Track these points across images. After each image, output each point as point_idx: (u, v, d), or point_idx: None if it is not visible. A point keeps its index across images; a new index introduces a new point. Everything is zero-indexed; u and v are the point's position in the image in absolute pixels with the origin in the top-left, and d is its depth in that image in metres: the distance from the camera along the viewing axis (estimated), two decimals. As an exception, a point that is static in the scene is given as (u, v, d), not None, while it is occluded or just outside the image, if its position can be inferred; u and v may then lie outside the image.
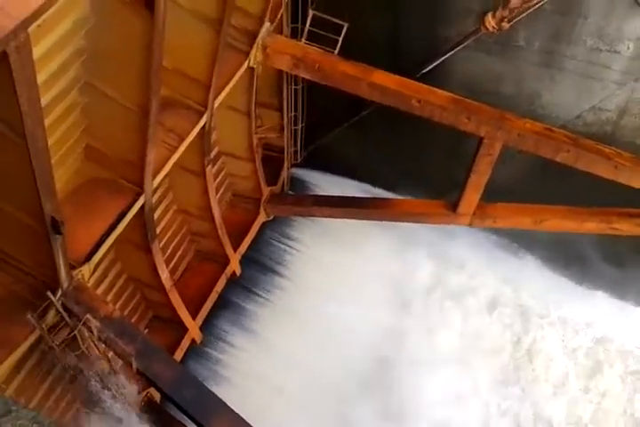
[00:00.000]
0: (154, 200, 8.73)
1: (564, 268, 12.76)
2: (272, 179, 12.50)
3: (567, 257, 12.51)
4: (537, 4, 9.36)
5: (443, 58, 10.66)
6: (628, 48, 9.69)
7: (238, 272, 11.75)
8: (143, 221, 8.36)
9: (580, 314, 12.77)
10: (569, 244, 11.95)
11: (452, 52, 10.53)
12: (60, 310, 6.94)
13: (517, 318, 13.01)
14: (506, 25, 9.77)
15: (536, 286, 12.98)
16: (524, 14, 9.54)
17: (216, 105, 9.17)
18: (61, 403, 8.35)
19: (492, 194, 10.65)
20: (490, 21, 9.81)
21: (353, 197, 12.02)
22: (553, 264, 12.85)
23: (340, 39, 10.17)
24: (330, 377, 11.39)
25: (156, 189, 8.86)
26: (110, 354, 8.07)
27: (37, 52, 5.14)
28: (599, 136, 10.47)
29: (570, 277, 12.80)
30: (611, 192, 9.85)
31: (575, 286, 12.79)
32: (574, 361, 12.71)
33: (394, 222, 12.01)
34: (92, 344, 7.52)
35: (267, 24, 9.54)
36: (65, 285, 6.99)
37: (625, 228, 10.58)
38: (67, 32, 5.88)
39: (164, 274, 9.40)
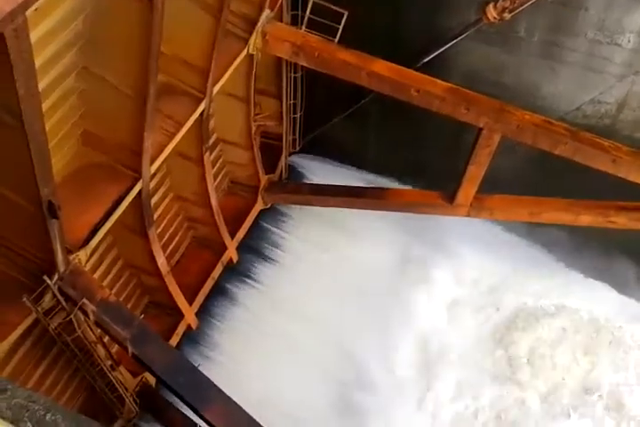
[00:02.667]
0: (151, 186, 8.73)
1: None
2: (270, 167, 12.48)
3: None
4: (539, -6, 9.35)
5: (443, 48, 10.61)
6: (629, 41, 9.65)
7: (235, 259, 11.78)
8: (140, 206, 8.37)
9: None
10: None
11: (453, 42, 10.48)
12: (57, 293, 6.97)
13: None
14: (507, 15, 9.73)
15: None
16: (526, 5, 9.53)
17: (215, 92, 9.15)
18: (57, 387, 8.41)
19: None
20: (491, 11, 9.77)
21: (350, 187, 11.97)
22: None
23: (341, 27, 10.14)
24: (330, 364, 11.45)
25: (154, 175, 8.85)
26: (106, 338, 8.13)
27: (34, 36, 5.11)
28: (598, 129, 10.45)
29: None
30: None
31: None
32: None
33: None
34: (87, 328, 7.58)
35: (267, 11, 9.49)
36: (62, 269, 7.02)
37: (622, 221, 10.58)
38: (64, 16, 5.84)
39: (161, 259, 9.42)
